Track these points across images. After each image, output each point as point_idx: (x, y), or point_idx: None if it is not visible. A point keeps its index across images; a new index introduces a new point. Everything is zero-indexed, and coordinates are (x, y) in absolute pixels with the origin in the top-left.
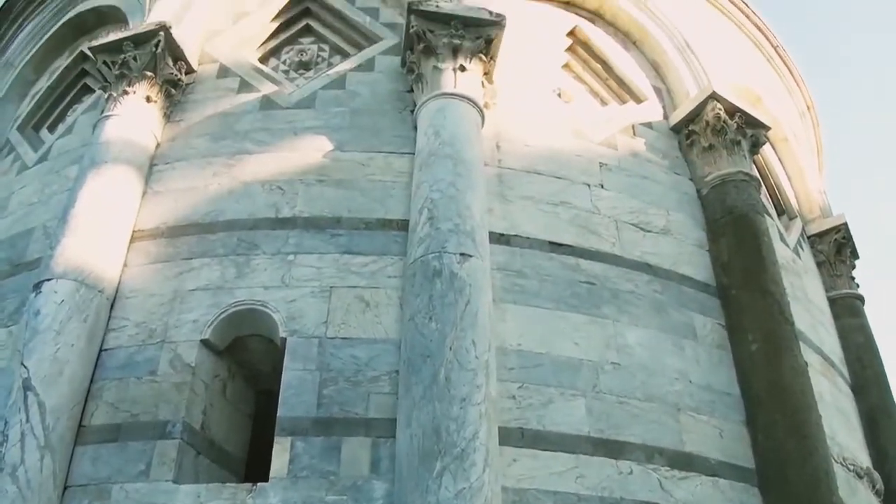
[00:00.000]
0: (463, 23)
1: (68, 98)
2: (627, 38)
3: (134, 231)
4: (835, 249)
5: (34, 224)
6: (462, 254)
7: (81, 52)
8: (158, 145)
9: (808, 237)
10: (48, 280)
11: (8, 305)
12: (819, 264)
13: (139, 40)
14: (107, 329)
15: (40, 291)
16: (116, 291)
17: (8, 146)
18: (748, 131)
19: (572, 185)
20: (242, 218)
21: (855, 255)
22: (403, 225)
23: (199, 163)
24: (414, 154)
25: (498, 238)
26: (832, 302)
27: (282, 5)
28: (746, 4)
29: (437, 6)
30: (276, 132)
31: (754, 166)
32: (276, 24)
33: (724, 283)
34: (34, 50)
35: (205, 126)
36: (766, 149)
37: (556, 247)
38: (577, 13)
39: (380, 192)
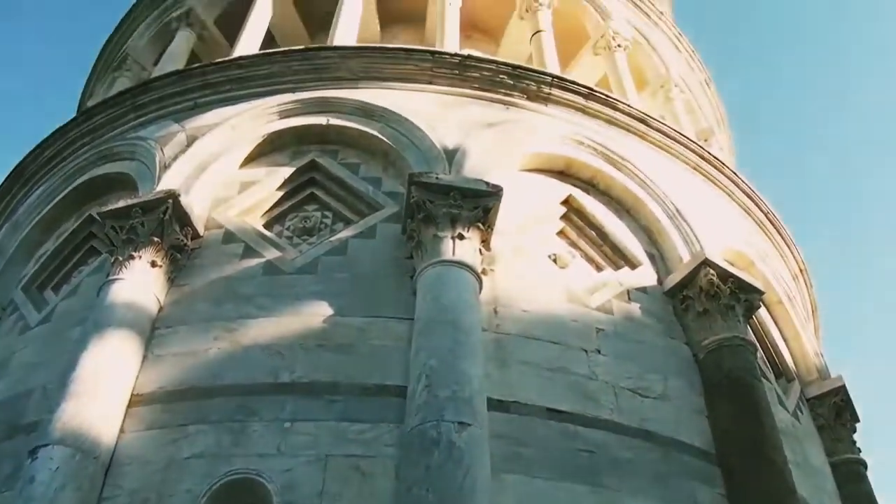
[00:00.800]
0: (461, 194)
1: (74, 260)
2: (621, 206)
3: (132, 396)
4: (834, 413)
5: (33, 385)
6: (460, 422)
7: (89, 215)
8: (161, 309)
9: (807, 400)
10: (44, 446)
11: (4, 469)
12: (819, 428)
13: (148, 207)
14: (100, 497)
15: (36, 458)
16: (112, 458)
17: (12, 306)
18: (742, 296)
19: (569, 351)
20: (241, 383)
21: (855, 418)
22: (401, 391)
23: (200, 327)
24: (413, 320)
25: (496, 405)
26: (834, 467)
27: (288, 174)
28: (735, 174)
29: (437, 178)
30: (278, 297)
31: (750, 330)
32: (281, 193)
33: (725, 450)
34: (43, 213)
35: (208, 290)
36: (762, 311)
37: (554, 413)
38: (571, 183)
39: (378, 357)
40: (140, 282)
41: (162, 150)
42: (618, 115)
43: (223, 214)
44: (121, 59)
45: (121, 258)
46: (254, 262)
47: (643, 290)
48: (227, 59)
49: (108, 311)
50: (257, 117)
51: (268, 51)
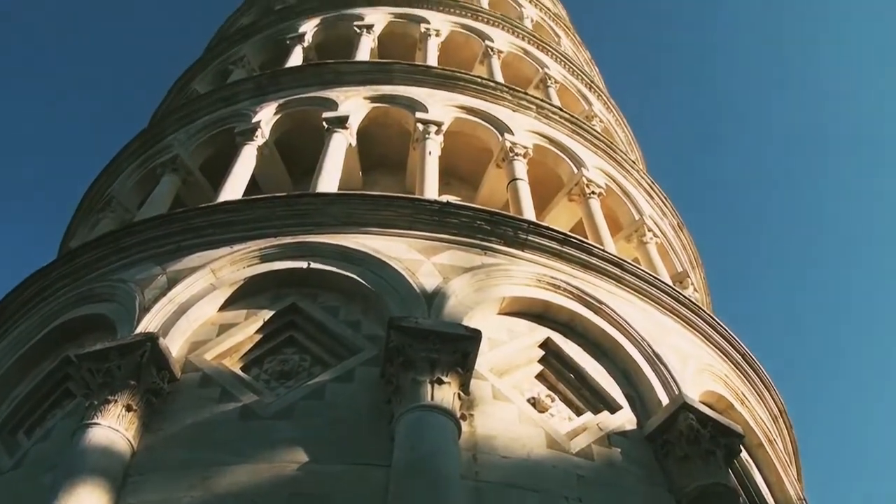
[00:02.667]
0: (440, 338)
1: (49, 402)
2: (599, 349)
3: None
4: None
5: None
6: None
7: (66, 356)
8: (135, 454)
9: None
10: None
11: None
12: None
13: (125, 350)
14: None
15: None
16: None
17: None
18: (722, 440)
19: (551, 499)
20: None
21: None
22: None
23: (174, 474)
24: (390, 466)
25: None
26: None
27: (268, 317)
28: (712, 316)
29: (417, 322)
30: (253, 443)
31: (732, 475)
32: (260, 335)
33: None
34: (20, 353)
35: (183, 436)
36: (744, 454)
37: None
38: (549, 326)
39: None
40: (115, 427)
41: (142, 292)
42: (593, 259)
43: (200, 357)
44: (105, 201)
45: (96, 402)
46: (230, 406)
47: (623, 434)
48: (211, 204)
49: (80, 457)
50: (238, 261)
51: (251, 197)
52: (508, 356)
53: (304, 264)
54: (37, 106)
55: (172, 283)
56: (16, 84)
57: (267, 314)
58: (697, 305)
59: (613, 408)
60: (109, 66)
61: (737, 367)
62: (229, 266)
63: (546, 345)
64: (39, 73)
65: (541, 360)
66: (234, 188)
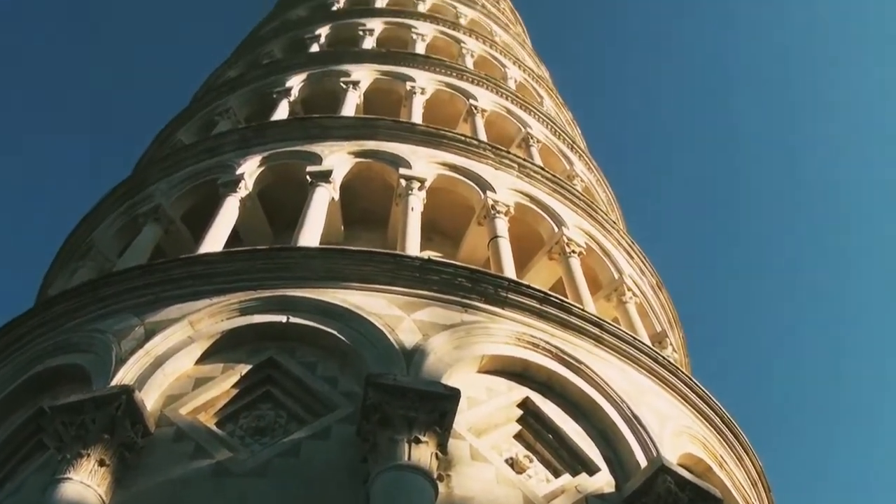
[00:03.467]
0: (419, 396)
1: (20, 454)
2: (577, 409)
3: None
4: None
5: None
6: None
7: (40, 408)
8: None
9: None
10: None
11: None
12: None
13: (100, 402)
14: None
15: None
16: None
17: None
18: None
19: None
20: None
21: None
22: None
23: None
24: None
25: None
26: None
27: (244, 372)
28: (690, 378)
29: (395, 379)
30: (227, 501)
31: None
32: (236, 390)
33: None
34: None
35: (155, 493)
36: None
37: None
38: (528, 385)
39: None
40: (87, 482)
41: (119, 343)
42: (572, 318)
43: (175, 412)
44: (85, 249)
45: (69, 455)
46: (204, 462)
47: (602, 497)
48: (191, 255)
49: None
50: (217, 313)
51: (232, 249)
52: (487, 415)
53: (283, 318)
54: (18, 150)
55: (150, 334)
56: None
57: (244, 368)
58: (676, 366)
59: (592, 469)
60: (94, 113)
61: (715, 430)
62: (208, 318)
63: (525, 404)
64: (22, 118)
65: (519, 420)
66: (215, 240)
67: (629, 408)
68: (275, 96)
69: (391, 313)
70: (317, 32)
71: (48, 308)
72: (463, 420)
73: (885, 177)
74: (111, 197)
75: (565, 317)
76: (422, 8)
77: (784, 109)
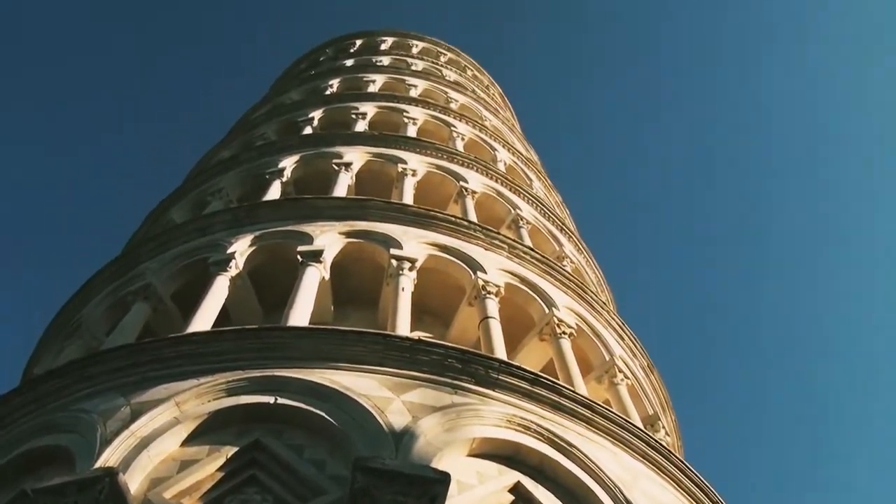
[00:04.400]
0: (408, 481)
1: None
2: (570, 495)
3: None
4: None
5: None
6: None
7: (23, 490)
8: None
9: None
10: None
11: None
12: None
13: (83, 485)
14: None
15: None
16: None
17: None
18: None
19: None
20: None
21: None
22: None
23: None
24: None
25: None
26: None
27: (230, 454)
28: (683, 462)
29: (383, 463)
30: None
31: None
32: (222, 474)
33: None
34: None
35: None
36: None
37: None
38: (519, 469)
39: None
40: None
41: (104, 424)
42: (564, 400)
43: (159, 496)
44: (73, 327)
45: None
46: None
47: None
48: (180, 335)
49: None
50: (204, 394)
51: (221, 328)
52: (477, 500)
53: (271, 399)
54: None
55: (136, 415)
56: None
57: (230, 451)
58: (669, 450)
59: None
60: (85, 194)
61: None
62: (195, 399)
63: (516, 489)
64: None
65: None
66: (204, 319)
67: (622, 493)
68: (267, 177)
69: (381, 394)
70: (310, 115)
71: (33, 387)
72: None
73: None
74: (101, 275)
75: (556, 399)
76: (413, 93)
77: (762, 193)
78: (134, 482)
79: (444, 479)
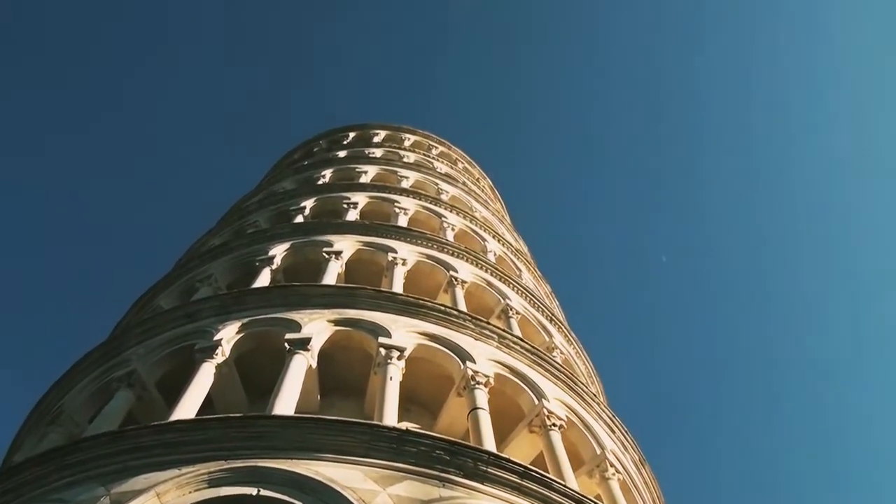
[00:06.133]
0: None
1: None
2: None
3: None
4: None
5: None
6: None
7: None
8: None
9: None
10: None
11: None
12: None
13: None
14: None
15: None
16: None
17: None
18: None
19: None
20: None
21: None
22: None
23: None
24: None
25: None
26: None
27: None
28: None
29: None
30: None
31: None
32: None
33: None
34: None
35: None
36: None
37: None
38: None
39: None
40: None
41: None
42: (554, 495)
43: None
44: (55, 414)
45: None
46: None
47: None
48: (162, 423)
49: None
50: (185, 485)
51: (204, 417)
52: None
53: (253, 491)
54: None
55: None
56: None
57: None
58: None
59: None
60: (69, 281)
61: None
62: (175, 490)
63: None
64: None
65: None
66: (188, 407)
67: None
68: (257, 264)
69: (366, 487)
70: (302, 204)
71: (12, 475)
72: None
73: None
74: (85, 361)
75: (547, 493)
76: (405, 184)
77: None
78: None
79: None
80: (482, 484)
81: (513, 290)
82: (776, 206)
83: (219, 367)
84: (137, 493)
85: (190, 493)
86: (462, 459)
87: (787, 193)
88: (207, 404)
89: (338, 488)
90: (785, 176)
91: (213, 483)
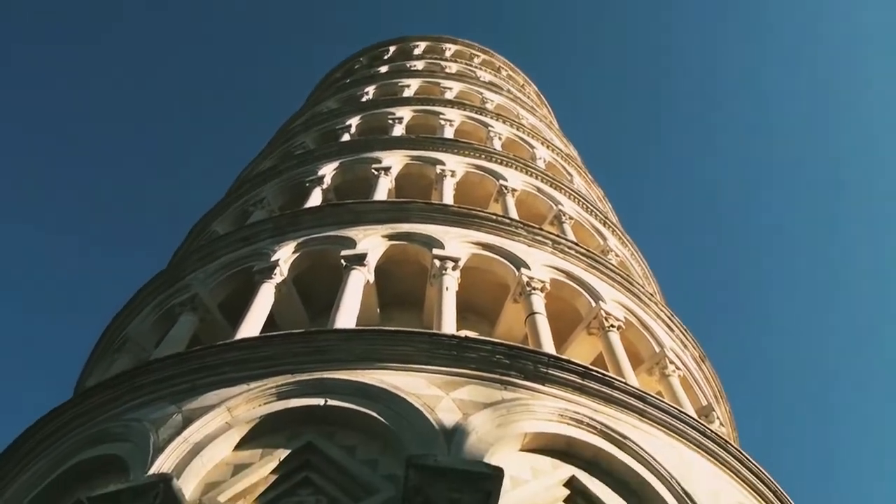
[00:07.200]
0: (461, 477)
1: None
2: (625, 487)
3: None
4: None
5: None
6: None
7: (77, 499)
8: None
9: None
10: None
11: None
12: None
13: (138, 491)
14: None
15: None
16: None
17: None
18: None
19: None
20: None
21: None
22: None
23: None
24: None
25: None
26: None
27: (283, 457)
28: (740, 451)
29: (436, 460)
30: None
31: None
32: (275, 476)
33: None
34: (32, 496)
35: None
36: None
37: None
38: (573, 463)
39: None
40: None
41: (156, 431)
42: (615, 392)
43: (214, 500)
44: (122, 340)
45: None
46: None
47: None
48: (227, 342)
49: None
50: (254, 399)
51: (268, 334)
52: (532, 495)
53: (321, 401)
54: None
55: (187, 422)
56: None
57: (283, 453)
58: (724, 439)
59: None
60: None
61: None
62: (245, 404)
63: (571, 483)
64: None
65: (566, 500)
66: (251, 326)
67: (679, 484)
68: (308, 185)
69: (430, 393)
70: (347, 123)
71: (85, 399)
72: (508, 501)
73: None
74: (146, 289)
75: (608, 391)
76: (449, 95)
77: (816, 180)
78: (188, 487)
79: (497, 474)
80: (543, 385)
81: (564, 195)
82: None
83: (278, 286)
84: (209, 409)
85: (260, 405)
86: (522, 363)
87: None
88: (270, 323)
89: (402, 395)
90: None
91: (282, 396)
